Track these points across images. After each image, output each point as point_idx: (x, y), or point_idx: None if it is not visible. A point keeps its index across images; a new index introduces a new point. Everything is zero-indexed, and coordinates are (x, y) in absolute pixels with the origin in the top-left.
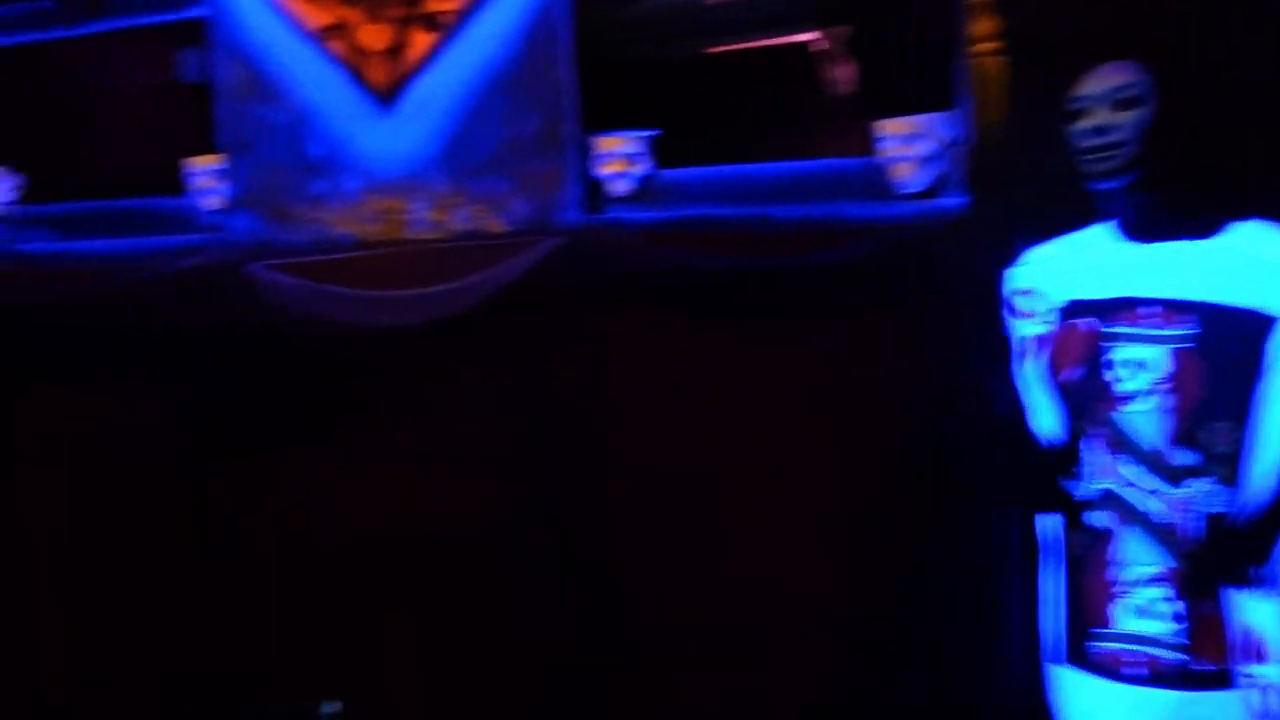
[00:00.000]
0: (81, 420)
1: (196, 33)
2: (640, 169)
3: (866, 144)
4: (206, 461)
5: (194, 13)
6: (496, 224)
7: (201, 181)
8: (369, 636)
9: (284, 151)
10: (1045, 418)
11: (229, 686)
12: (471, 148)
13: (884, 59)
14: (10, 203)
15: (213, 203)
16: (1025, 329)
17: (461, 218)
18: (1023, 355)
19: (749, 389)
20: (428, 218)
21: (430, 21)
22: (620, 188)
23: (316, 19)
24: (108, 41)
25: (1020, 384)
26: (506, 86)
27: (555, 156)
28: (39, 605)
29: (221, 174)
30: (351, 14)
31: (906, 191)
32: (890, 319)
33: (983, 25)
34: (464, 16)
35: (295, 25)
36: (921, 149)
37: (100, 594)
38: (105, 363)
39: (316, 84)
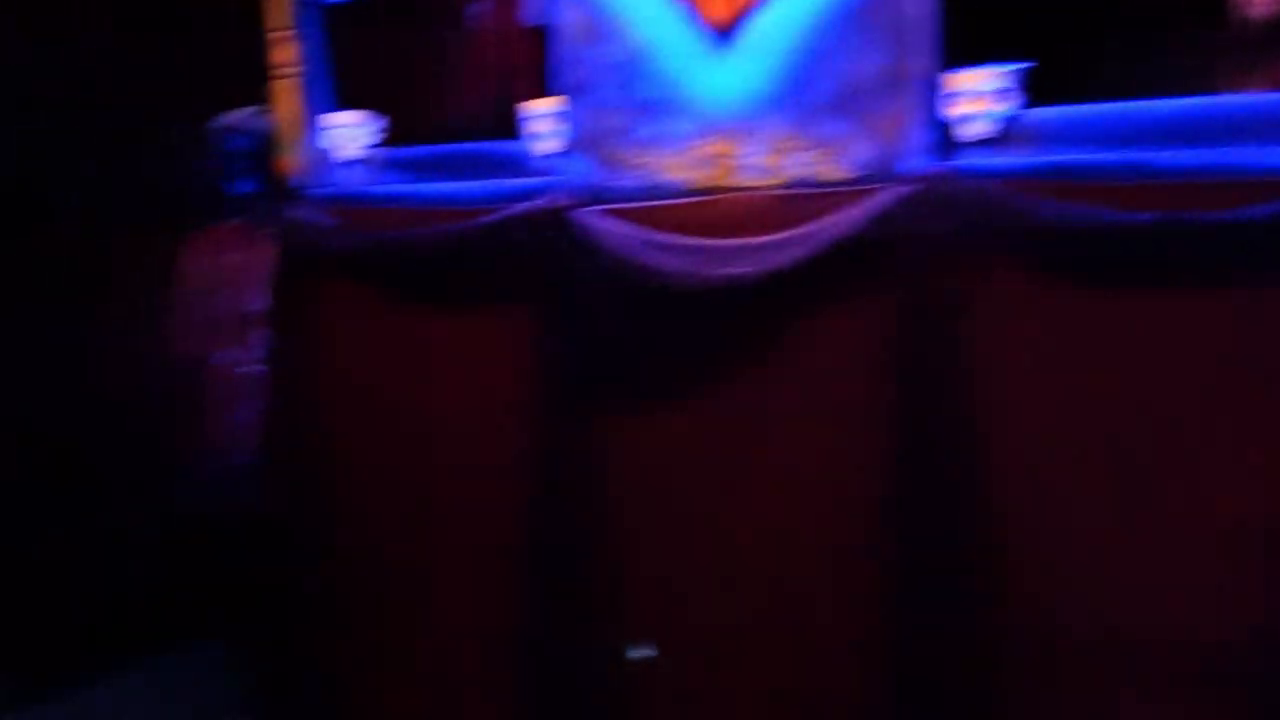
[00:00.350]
0: (421, 354)
1: None
2: (1004, 108)
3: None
4: (544, 406)
5: None
6: (836, 170)
7: (538, 125)
8: (699, 598)
9: (617, 94)
10: None
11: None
12: (811, 87)
13: None
14: (373, 145)
15: (548, 146)
16: None
17: (798, 163)
18: None
19: (1138, 363)
20: (761, 163)
21: None
22: (978, 130)
23: None
24: None
25: None
26: (851, 18)
27: (903, 95)
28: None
29: (558, 118)
30: None
31: None
32: None
33: None
34: None
35: None
36: None
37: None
38: (442, 300)
39: (653, 21)
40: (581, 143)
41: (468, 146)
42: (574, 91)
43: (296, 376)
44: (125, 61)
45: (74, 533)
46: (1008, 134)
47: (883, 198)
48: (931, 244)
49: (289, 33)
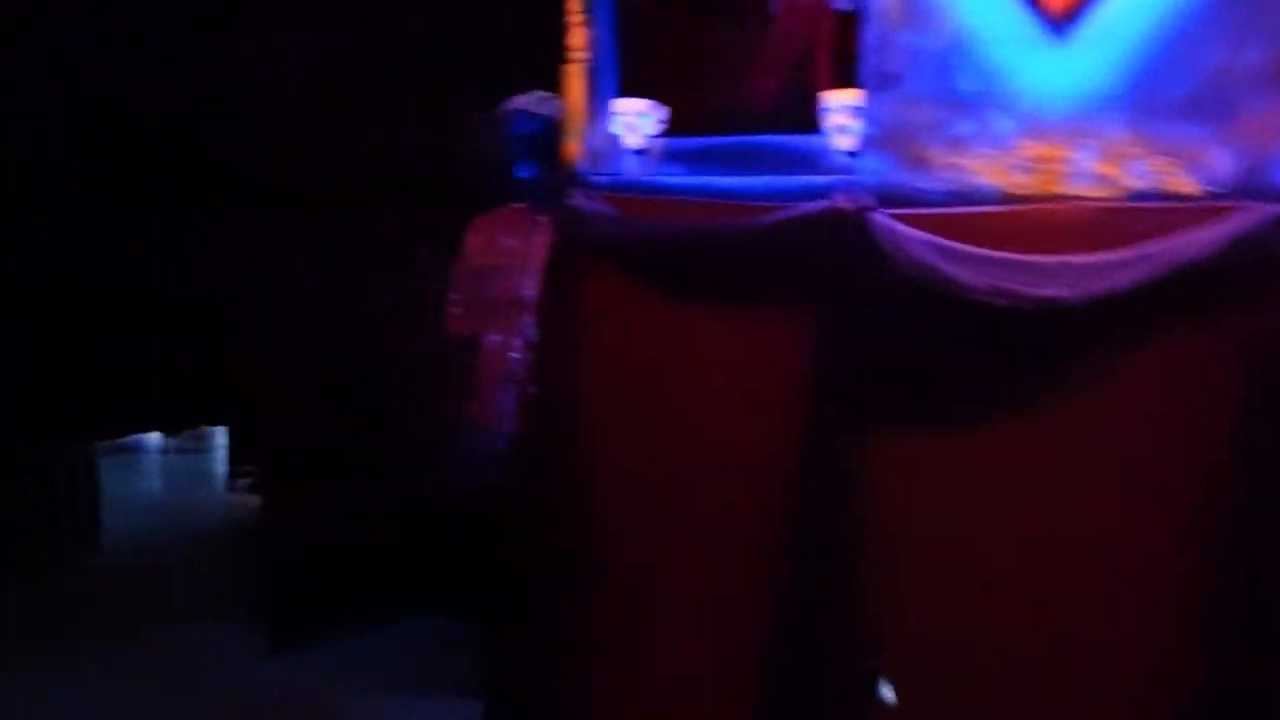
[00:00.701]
0: (688, 351)
1: None
2: None
3: None
4: (824, 414)
5: None
6: (1186, 182)
7: (837, 118)
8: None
9: (930, 85)
10: None
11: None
12: (1162, 84)
13: None
14: (657, 135)
15: (846, 142)
16: None
17: (1138, 172)
18: None
19: None
20: (1093, 170)
21: None
22: None
23: None
24: None
25: None
26: (1221, 3)
27: None
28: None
29: (859, 111)
30: None
31: None
32: None
33: None
34: None
35: None
36: None
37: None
38: (716, 298)
39: (981, 6)
40: (883, 138)
41: (755, 139)
42: (879, 82)
43: (560, 363)
44: (421, 41)
45: (344, 498)
46: None
47: (1247, 217)
48: None
49: (583, 16)
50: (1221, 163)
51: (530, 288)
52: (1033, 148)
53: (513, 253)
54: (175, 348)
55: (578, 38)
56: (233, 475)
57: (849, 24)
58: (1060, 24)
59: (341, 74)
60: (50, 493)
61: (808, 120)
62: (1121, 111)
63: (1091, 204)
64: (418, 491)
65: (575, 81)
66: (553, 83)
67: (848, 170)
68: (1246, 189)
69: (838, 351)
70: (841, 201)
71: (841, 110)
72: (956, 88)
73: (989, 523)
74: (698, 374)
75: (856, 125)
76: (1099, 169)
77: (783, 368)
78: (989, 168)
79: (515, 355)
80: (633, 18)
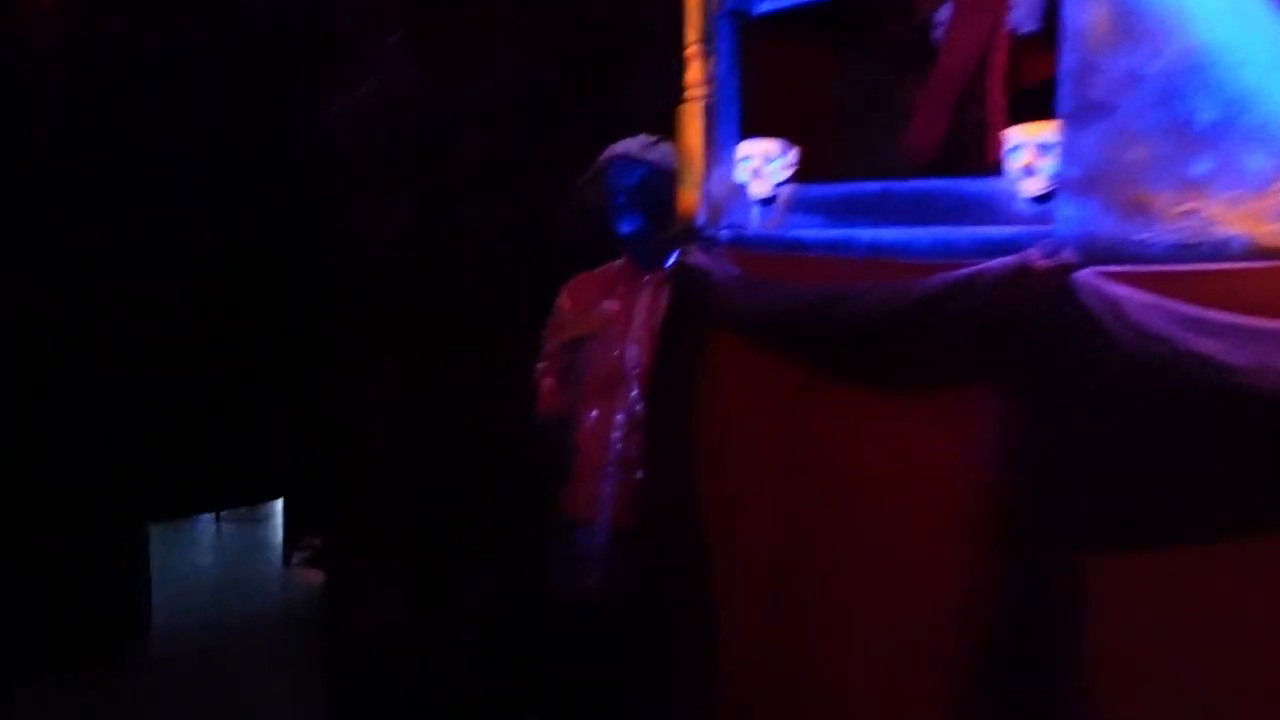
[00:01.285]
0: (834, 436)
1: None
2: None
3: None
4: (1009, 526)
5: None
6: None
7: (1021, 157)
8: None
9: (1152, 116)
10: None
11: None
12: None
13: None
14: (789, 180)
15: (1035, 186)
16: None
17: None
18: None
19: None
20: None
21: None
22: None
23: None
24: None
25: None
26: None
27: None
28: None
29: (1053, 148)
30: None
31: None
32: None
33: None
34: None
35: None
36: None
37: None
38: (870, 376)
39: (1218, 16)
40: (1089, 181)
41: (914, 184)
42: (1084, 113)
43: (674, 447)
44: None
45: (423, 587)
46: None
47: None
48: None
49: (701, 48)
50: None
51: (636, 358)
52: None
53: (615, 318)
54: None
55: (695, 71)
56: (291, 548)
57: (1027, 48)
58: None
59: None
60: (97, 574)
61: (979, 162)
62: None
63: None
64: (508, 587)
65: (692, 121)
66: (664, 124)
67: (1038, 219)
68: None
69: (1040, 448)
70: (1035, 257)
71: (1028, 148)
72: (1189, 117)
73: (1236, 664)
74: (848, 467)
75: (1048, 165)
76: None
77: (961, 466)
78: (1236, 215)
79: (618, 436)
80: (761, 48)
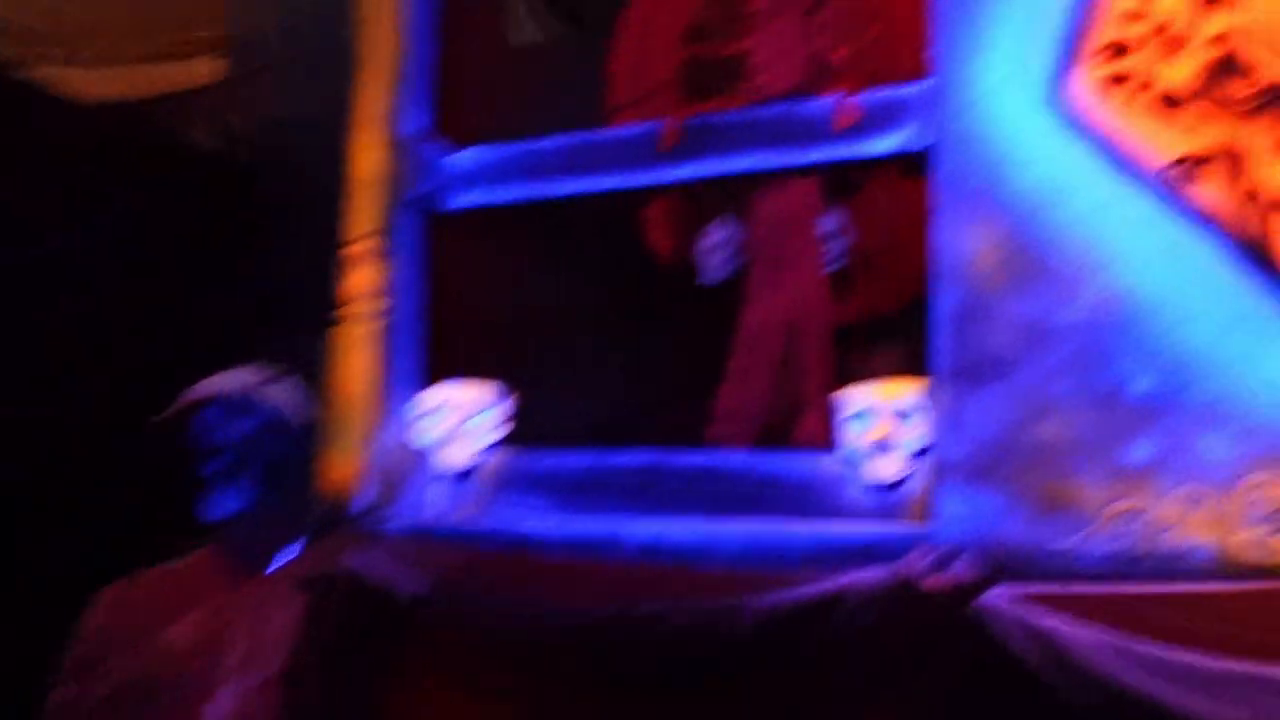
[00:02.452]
0: None
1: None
2: None
3: None
4: None
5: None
6: None
7: (872, 428)
8: None
9: (1069, 379)
10: None
11: None
12: None
13: None
14: (496, 444)
15: (891, 467)
16: None
17: None
18: None
19: None
20: None
21: None
22: None
23: (1165, 147)
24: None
25: None
26: None
27: None
28: None
29: (916, 416)
30: (1246, 137)
31: None
32: None
33: None
34: None
35: (1116, 157)
36: None
37: None
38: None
39: (1149, 258)
40: (984, 464)
41: (698, 458)
42: (970, 372)
43: None
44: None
45: None
46: None
47: None
48: None
49: (374, 247)
50: None
51: (243, 706)
52: (1271, 486)
53: (195, 653)
54: None
55: (363, 278)
56: None
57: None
58: None
59: None
60: None
61: (798, 433)
62: None
63: None
64: None
65: (354, 351)
66: (304, 353)
67: (890, 513)
68: None
69: None
70: (920, 569)
71: (877, 415)
72: (1120, 385)
73: None
74: None
75: (909, 439)
76: None
77: None
78: (1196, 518)
79: None
80: (457, 253)
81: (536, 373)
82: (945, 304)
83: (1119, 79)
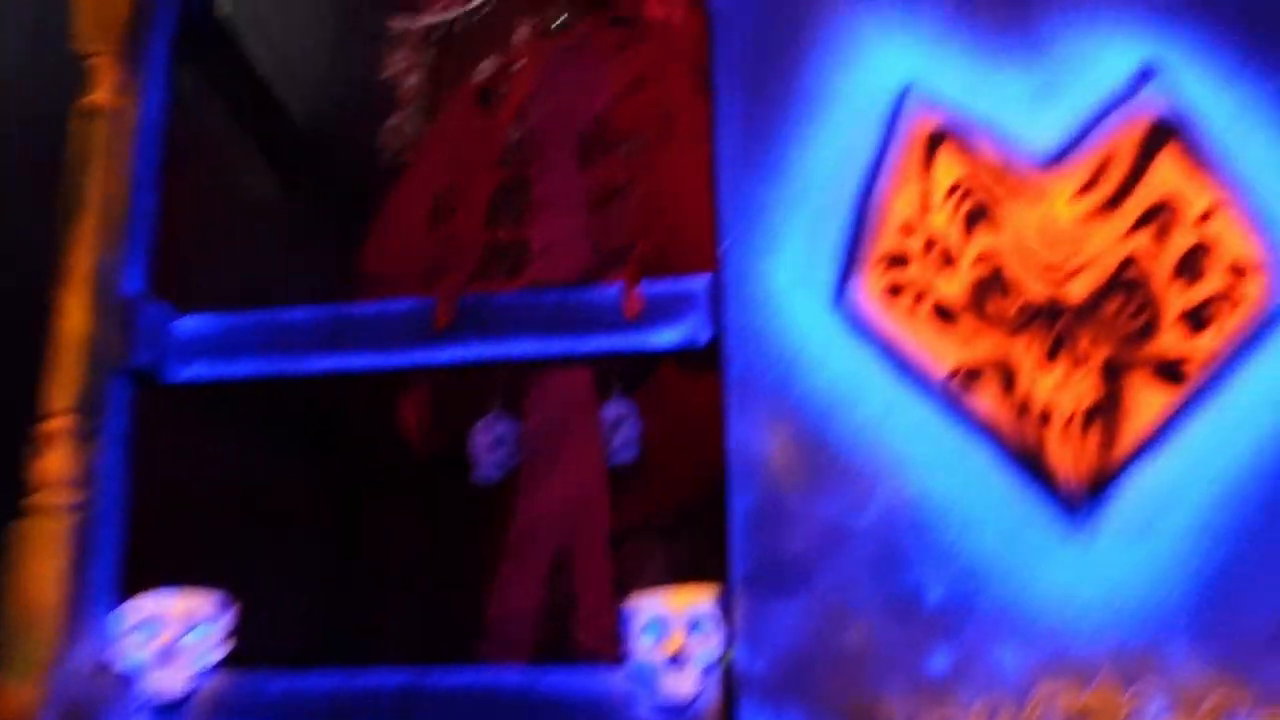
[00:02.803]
0: None
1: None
2: None
3: None
4: None
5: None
6: None
7: (663, 641)
8: None
9: (867, 587)
10: None
11: None
12: (1247, 598)
13: None
14: (215, 666)
15: (687, 685)
16: None
17: None
18: None
19: None
20: None
21: (1167, 370)
22: None
23: (945, 356)
24: None
25: None
26: None
27: None
28: None
29: (708, 627)
30: (1017, 349)
31: None
32: None
33: None
34: (1225, 361)
35: (900, 364)
36: None
37: None
38: None
39: (935, 462)
40: (786, 677)
41: (472, 676)
42: (768, 577)
43: None
44: None
45: None
46: None
47: None
48: None
49: (74, 423)
50: None
51: None
52: (1068, 690)
53: None
54: None
55: (56, 464)
56: None
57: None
58: (1074, 503)
59: None
60: None
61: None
62: (1190, 634)
63: None
64: None
65: (41, 551)
66: None
67: None
68: None
69: None
70: None
71: (668, 626)
72: (918, 593)
73: None
74: None
75: (704, 652)
76: None
77: None
78: None
79: None
80: (179, 435)
81: (268, 579)
82: (741, 504)
83: (898, 288)
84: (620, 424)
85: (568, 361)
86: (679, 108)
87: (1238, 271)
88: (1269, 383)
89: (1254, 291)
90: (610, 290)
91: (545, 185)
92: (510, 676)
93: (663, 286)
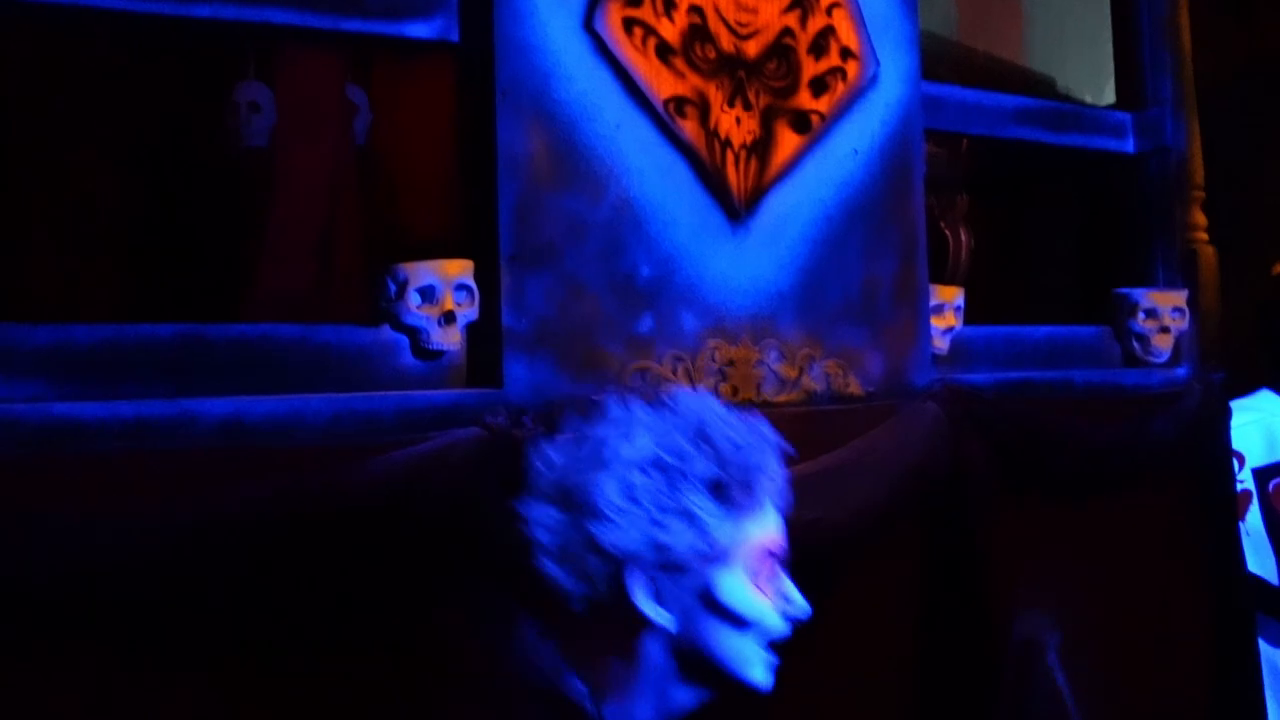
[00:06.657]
0: None
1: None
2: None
3: None
4: None
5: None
6: (854, 384)
7: (435, 303)
8: None
9: (599, 268)
10: None
11: None
12: (829, 287)
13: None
14: None
15: (448, 336)
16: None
17: (815, 375)
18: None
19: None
20: (779, 372)
21: (800, 120)
22: (939, 346)
23: (662, 86)
24: None
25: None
26: (865, 215)
27: (912, 304)
28: None
29: (468, 293)
30: (712, 88)
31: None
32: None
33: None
34: (832, 120)
35: (631, 87)
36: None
37: None
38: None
39: (646, 172)
40: (540, 335)
41: (249, 330)
42: (529, 257)
43: None
44: None
45: None
46: (958, 351)
47: (919, 417)
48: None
49: None
50: (875, 366)
51: None
52: (724, 348)
53: None
54: None
55: None
56: None
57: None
58: (738, 211)
59: None
60: None
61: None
62: (795, 311)
63: (787, 410)
64: None
65: None
66: None
67: (442, 378)
68: (893, 389)
69: None
70: (504, 426)
71: (437, 289)
72: (633, 272)
73: None
74: None
75: (466, 313)
76: (783, 371)
77: None
78: (679, 371)
79: None
80: None
81: (45, 231)
82: (507, 195)
83: (632, 22)
84: (359, 109)
85: (319, 40)
86: None
87: (846, 54)
88: (854, 138)
89: (853, 70)
90: None
91: None
92: (285, 331)
93: None
